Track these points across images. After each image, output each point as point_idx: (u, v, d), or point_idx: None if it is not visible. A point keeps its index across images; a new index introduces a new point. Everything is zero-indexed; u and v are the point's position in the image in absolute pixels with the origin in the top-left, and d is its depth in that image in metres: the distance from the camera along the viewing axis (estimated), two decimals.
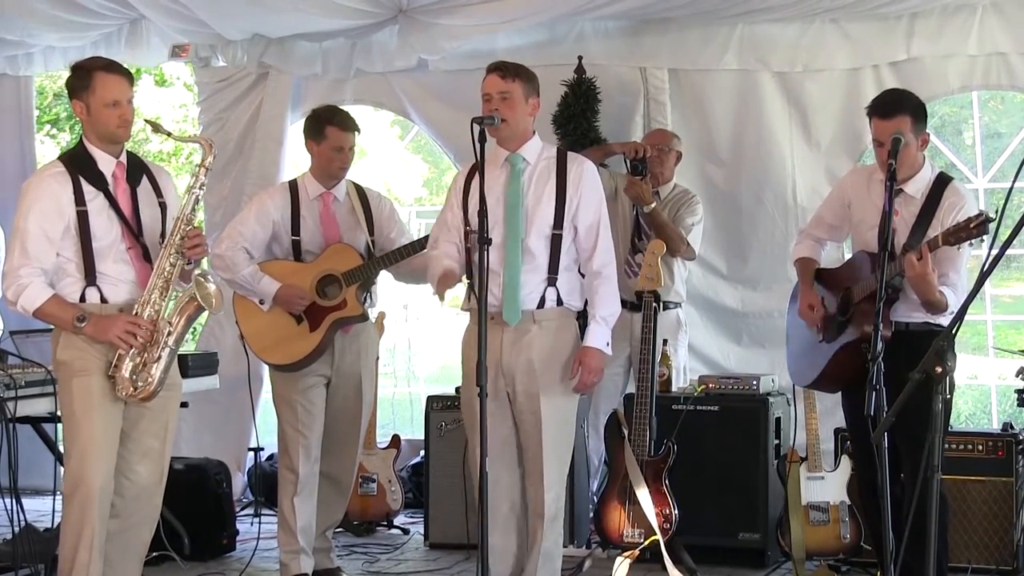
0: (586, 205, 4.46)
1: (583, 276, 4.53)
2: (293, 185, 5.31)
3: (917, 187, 4.52)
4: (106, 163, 4.32)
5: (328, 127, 5.19)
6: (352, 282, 5.14)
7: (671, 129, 6.55)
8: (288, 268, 5.20)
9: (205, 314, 5.70)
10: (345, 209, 5.29)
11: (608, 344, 4.47)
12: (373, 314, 5.54)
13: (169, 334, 4.26)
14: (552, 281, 4.44)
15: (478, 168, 4.19)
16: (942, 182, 4.53)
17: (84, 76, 4.29)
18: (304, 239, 5.22)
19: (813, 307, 4.74)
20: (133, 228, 4.31)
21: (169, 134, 4.53)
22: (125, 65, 4.41)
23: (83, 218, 4.24)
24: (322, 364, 5.20)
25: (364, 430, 5.46)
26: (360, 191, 5.37)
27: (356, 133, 5.27)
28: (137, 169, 4.42)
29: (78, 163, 4.31)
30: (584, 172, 4.50)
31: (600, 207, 4.50)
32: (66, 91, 4.40)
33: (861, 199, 4.67)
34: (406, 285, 5.67)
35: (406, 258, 5.18)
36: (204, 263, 4.66)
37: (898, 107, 4.46)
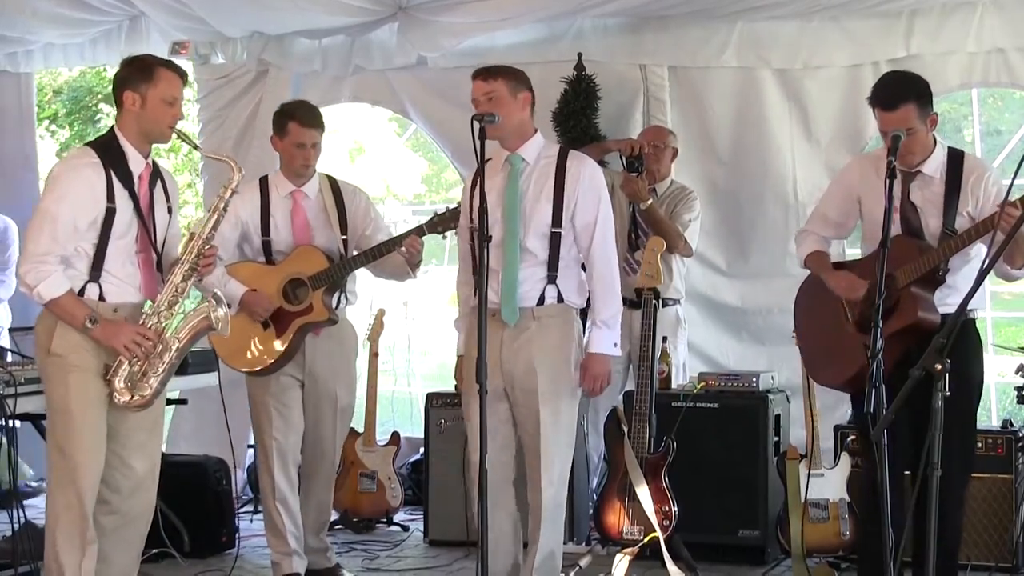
0: (584, 203, 4.44)
1: (585, 273, 4.53)
2: (264, 182, 5.20)
3: (934, 167, 4.40)
4: (136, 162, 4.25)
5: (290, 123, 5.09)
6: (319, 286, 5.05)
7: (671, 127, 6.55)
8: (255, 271, 5.13)
9: None
10: (317, 207, 5.17)
11: (616, 345, 4.49)
12: (373, 313, 5.51)
13: (176, 349, 4.23)
14: (552, 279, 4.43)
15: (479, 164, 4.18)
16: (956, 157, 4.42)
17: (147, 68, 4.22)
18: (274, 239, 5.13)
19: (853, 283, 4.45)
20: (149, 232, 4.26)
21: (196, 146, 4.50)
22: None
23: (110, 214, 4.17)
24: (294, 367, 5.15)
25: (343, 432, 5.37)
26: (335, 186, 5.23)
27: (319, 130, 5.14)
28: (155, 173, 4.35)
29: (111, 156, 4.21)
30: (583, 171, 4.47)
31: (599, 206, 4.47)
32: (117, 80, 4.24)
33: (874, 190, 4.40)
34: (403, 284, 5.64)
35: (375, 260, 5.05)
36: None
37: (901, 96, 4.29)
